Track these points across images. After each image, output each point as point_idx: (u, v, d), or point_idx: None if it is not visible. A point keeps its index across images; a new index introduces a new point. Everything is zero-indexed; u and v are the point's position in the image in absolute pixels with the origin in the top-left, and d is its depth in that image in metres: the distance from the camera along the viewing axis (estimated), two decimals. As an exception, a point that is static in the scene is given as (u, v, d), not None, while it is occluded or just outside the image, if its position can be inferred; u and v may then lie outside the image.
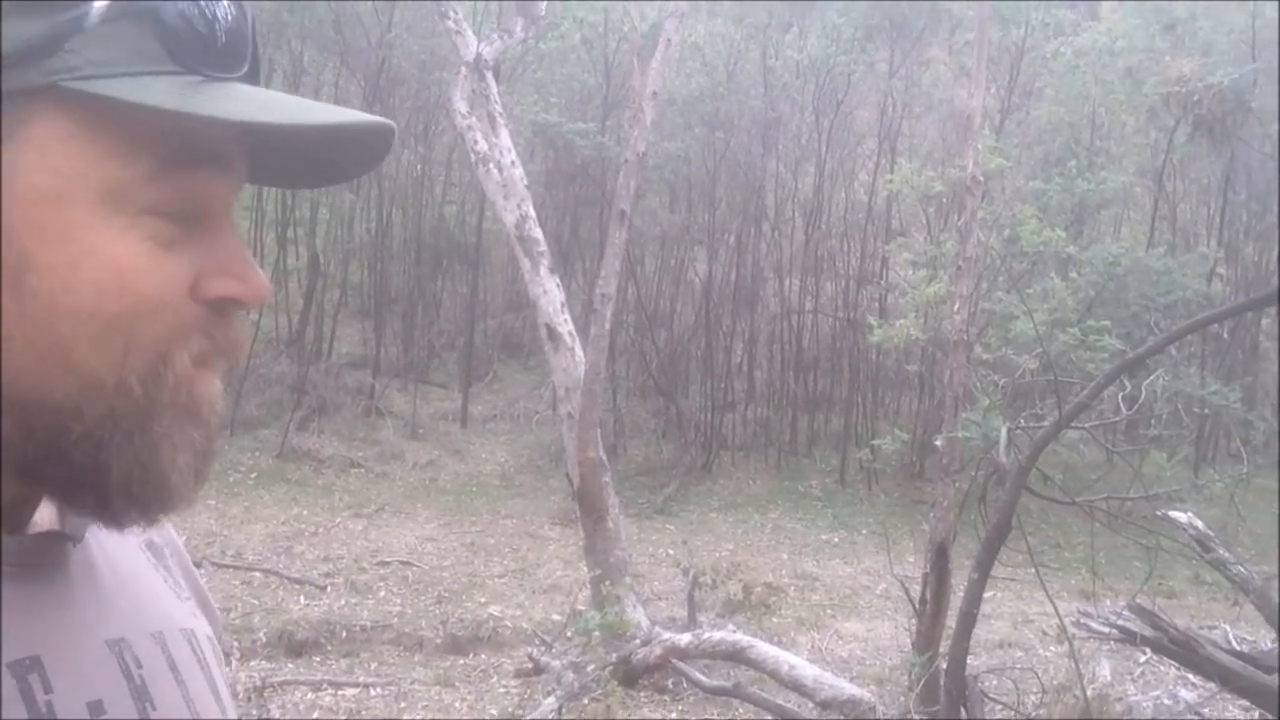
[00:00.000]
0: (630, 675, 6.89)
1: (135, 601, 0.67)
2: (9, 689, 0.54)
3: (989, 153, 8.56)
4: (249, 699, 5.88)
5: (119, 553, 0.68)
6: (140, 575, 0.70)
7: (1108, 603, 9.79)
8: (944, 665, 5.94)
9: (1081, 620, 8.33)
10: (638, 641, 7.03)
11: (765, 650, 6.72)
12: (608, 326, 8.48)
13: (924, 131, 16.74)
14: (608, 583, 7.27)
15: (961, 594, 7.78)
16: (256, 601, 8.37)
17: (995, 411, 5.19)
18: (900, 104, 15.95)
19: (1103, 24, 16.23)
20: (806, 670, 6.47)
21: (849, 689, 6.32)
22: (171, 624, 0.68)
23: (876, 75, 16.05)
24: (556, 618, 8.47)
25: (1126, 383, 5.09)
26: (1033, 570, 8.51)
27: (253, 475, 12.34)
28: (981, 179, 7.18)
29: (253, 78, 0.60)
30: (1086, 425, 5.39)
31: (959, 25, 15.40)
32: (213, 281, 0.59)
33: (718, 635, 6.96)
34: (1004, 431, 4.82)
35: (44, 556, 0.61)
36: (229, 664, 6.63)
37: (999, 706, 6.12)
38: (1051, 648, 8.49)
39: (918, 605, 6.59)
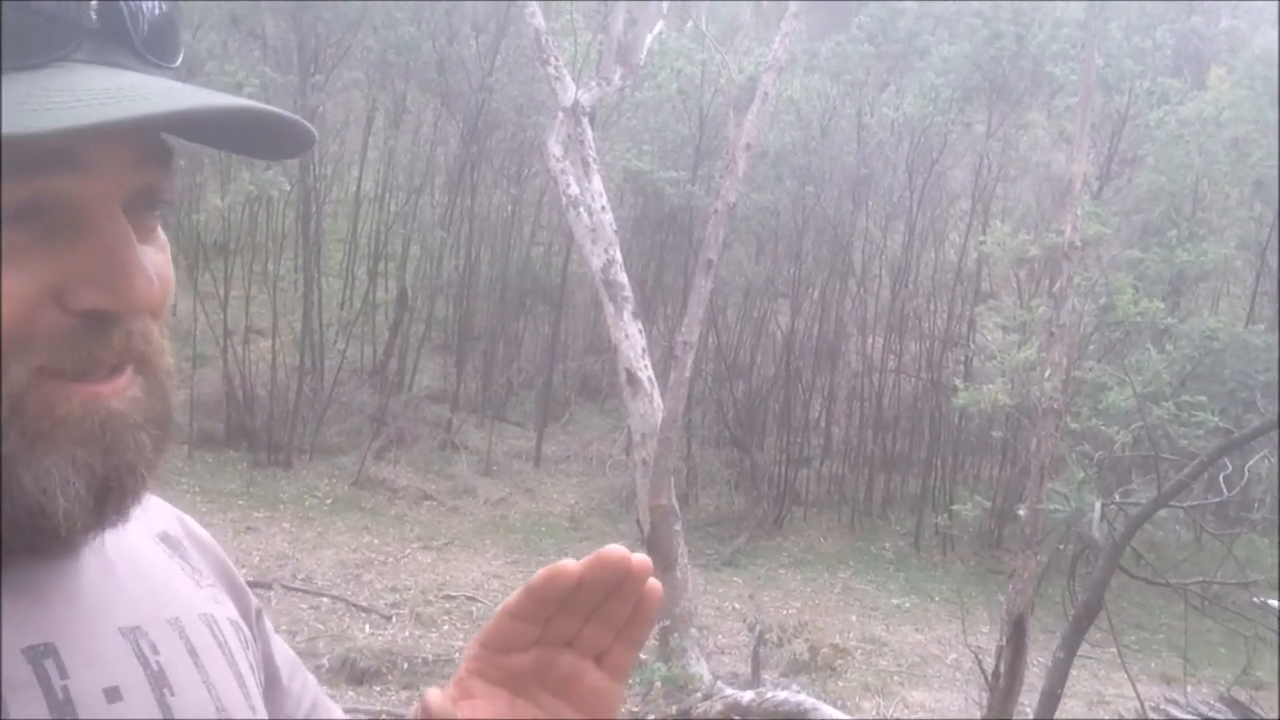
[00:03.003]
0: (689, 729, 6.77)
1: (149, 589, 0.67)
2: (25, 674, 0.55)
3: (1088, 218, 8.38)
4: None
5: (130, 544, 0.68)
6: (154, 564, 0.70)
7: (1189, 689, 9.38)
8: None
9: (1164, 706, 7.98)
10: (699, 695, 6.92)
11: (829, 714, 6.55)
12: (688, 374, 8.46)
13: (1018, 194, 16.49)
14: (676, 634, 7.17)
15: (1036, 669, 7.51)
16: (322, 627, 8.44)
17: (1089, 485, 4.99)
18: (996, 166, 15.76)
19: (1209, 93, 15.87)
20: (871, 738, 6.28)
21: (915, 761, 6.12)
22: (189, 610, 0.68)
23: (973, 136, 15.89)
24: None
25: (1228, 463, 4.88)
26: (1111, 649, 8.19)
27: (328, 501, 12.51)
28: (1079, 244, 7.02)
29: (105, 51, 0.55)
30: (1184, 504, 5.17)
31: (1059, 90, 15.19)
32: (80, 292, 0.55)
33: (781, 695, 6.81)
34: (1098, 506, 4.63)
35: (54, 547, 0.60)
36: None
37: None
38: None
39: (990, 678, 6.37)
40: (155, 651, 0.62)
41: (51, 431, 0.55)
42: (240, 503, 11.69)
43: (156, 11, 0.59)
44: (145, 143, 0.59)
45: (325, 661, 7.55)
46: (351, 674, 7.56)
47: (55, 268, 0.54)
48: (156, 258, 0.60)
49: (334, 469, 13.34)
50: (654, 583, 0.69)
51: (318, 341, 14.60)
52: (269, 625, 0.80)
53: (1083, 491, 5.02)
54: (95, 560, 0.64)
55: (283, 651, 0.81)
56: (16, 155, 0.52)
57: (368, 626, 8.69)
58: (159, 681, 0.61)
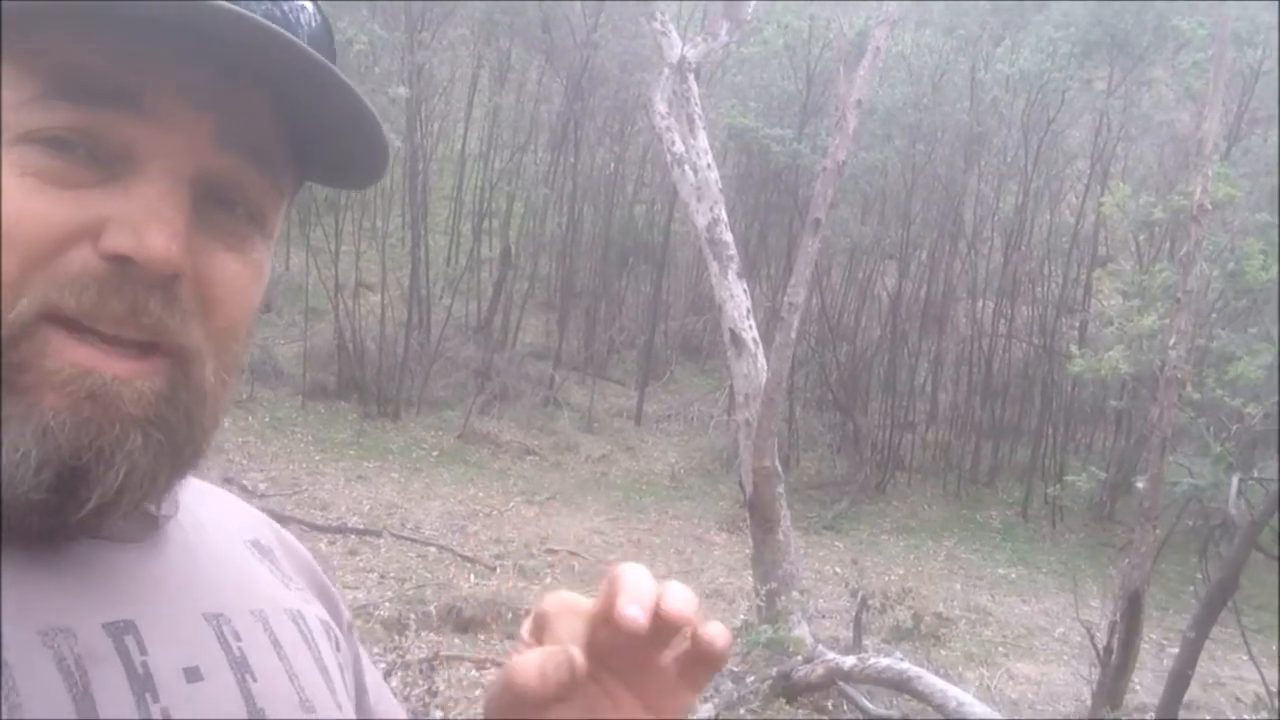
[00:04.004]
0: (790, 692, 6.75)
1: (235, 581, 0.66)
2: (105, 648, 0.54)
3: (1217, 180, 7.98)
4: (420, 670, 6.06)
5: (218, 541, 0.69)
6: (240, 562, 0.70)
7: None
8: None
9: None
10: (800, 658, 6.89)
11: (933, 683, 6.45)
12: (793, 336, 8.36)
13: (1140, 155, 15.83)
14: (781, 597, 7.15)
15: (1146, 645, 7.28)
16: (429, 575, 8.63)
17: (1226, 459, 4.76)
18: (1116, 124, 15.13)
19: (1354, 47, 14.93)
20: (975, 709, 6.17)
21: (1020, 734, 6.01)
22: (275, 604, 0.67)
23: (1092, 93, 15.27)
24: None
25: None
26: (1228, 629, 7.89)
27: (435, 453, 12.77)
28: (1210, 208, 6.70)
29: None
30: (1328, 481, 4.92)
31: (1185, 44, 14.46)
32: (111, 233, 0.53)
33: (884, 662, 6.74)
34: (1235, 482, 4.41)
35: (137, 533, 0.61)
36: (405, 634, 6.85)
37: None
38: (1246, 715, 7.86)
39: (1102, 654, 6.21)
40: (238, 638, 0.62)
41: (33, 387, 0.52)
42: (351, 452, 12.01)
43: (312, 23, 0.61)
44: (232, 118, 0.57)
45: (432, 609, 7.72)
46: (458, 622, 7.72)
47: (103, 207, 0.53)
48: (231, 265, 0.58)
49: (440, 422, 13.61)
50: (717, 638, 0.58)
51: (424, 297, 14.86)
52: (360, 647, 0.79)
53: (1219, 466, 4.78)
54: (179, 549, 0.64)
55: (373, 673, 0.80)
56: (81, 80, 0.53)
57: (473, 576, 8.87)
58: (241, 667, 0.61)
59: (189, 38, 0.54)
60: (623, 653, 0.59)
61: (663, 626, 0.56)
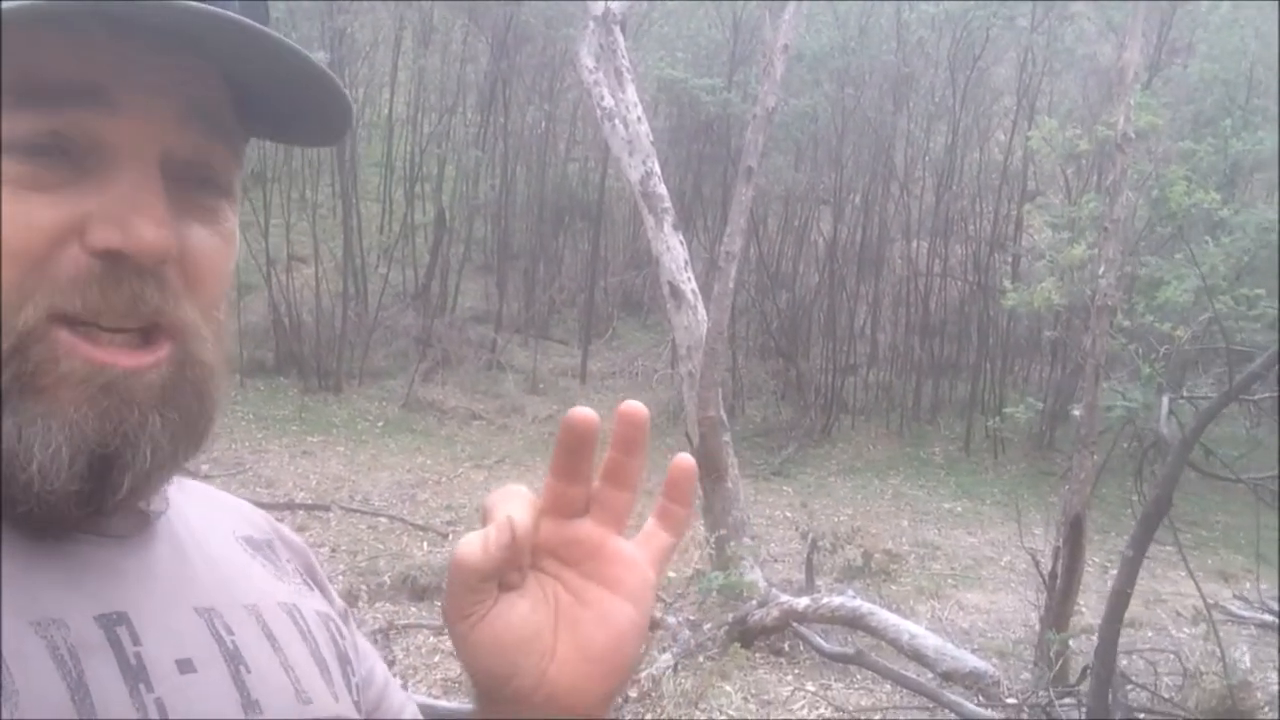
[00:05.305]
0: (746, 636, 6.85)
1: (226, 577, 0.67)
2: (97, 639, 0.55)
3: (1140, 109, 8.11)
4: (375, 640, 6.04)
5: (208, 538, 0.69)
6: (231, 558, 0.70)
7: (1248, 585, 9.33)
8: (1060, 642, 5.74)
9: (1221, 603, 7.94)
10: (754, 603, 6.98)
11: (886, 618, 6.59)
12: (731, 285, 8.38)
13: (1065, 88, 16.02)
14: (733, 543, 7.23)
15: (1090, 569, 7.49)
16: (382, 546, 8.59)
17: (1156, 380, 4.88)
18: (1041, 60, 15.28)
19: (1266, -27, 15.20)
20: (928, 640, 6.33)
21: (972, 661, 6.16)
22: (268, 598, 0.68)
23: (1016, 30, 15.39)
24: (670, 575, 8.47)
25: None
26: (1166, 547, 8.14)
27: (379, 424, 12.66)
28: (1133, 136, 6.80)
29: None
30: (1255, 398, 5.05)
31: (1106, -24, 14.63)
32: (97, 230, 0.54)
33: (837, 600, 6.86)
34: (1165, 402, 4.53)
35: (127, 529, 0.61)
36: (360, 606, 6.82)
37: (1133, 688, 5.87)
38: (1185, 629, 8.13)
39: (1048, 579, 6.37)
40: (230, 632, 0.62)
41: (51, 387, 0.54)
42: (294, 428, 11.87)
43: None
44: (188, 95, 0.58)
45: (386, 579, 7.70)
46: (413, 590, 7.69)
47: (82, 204, 0.54)
48: (207, 240, 0.60)
49: (383, 392, 13.48)
50: (685, 456, 0.64)
51: (359, 267, 14.65)
52: (359, 634, 0.79)
53: (1150, 387, 4.90)
54: (169, 545, 0.64)
55: (380, 662, 0.79)
56: (43, 84, 0.54)
57: (425, 544, 8.83)
58: (234, 659, 0.61)
59: (141, 29, 0.54)
60: (577, 542, 0.60)
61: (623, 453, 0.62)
